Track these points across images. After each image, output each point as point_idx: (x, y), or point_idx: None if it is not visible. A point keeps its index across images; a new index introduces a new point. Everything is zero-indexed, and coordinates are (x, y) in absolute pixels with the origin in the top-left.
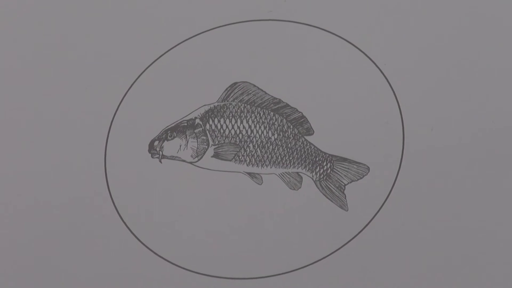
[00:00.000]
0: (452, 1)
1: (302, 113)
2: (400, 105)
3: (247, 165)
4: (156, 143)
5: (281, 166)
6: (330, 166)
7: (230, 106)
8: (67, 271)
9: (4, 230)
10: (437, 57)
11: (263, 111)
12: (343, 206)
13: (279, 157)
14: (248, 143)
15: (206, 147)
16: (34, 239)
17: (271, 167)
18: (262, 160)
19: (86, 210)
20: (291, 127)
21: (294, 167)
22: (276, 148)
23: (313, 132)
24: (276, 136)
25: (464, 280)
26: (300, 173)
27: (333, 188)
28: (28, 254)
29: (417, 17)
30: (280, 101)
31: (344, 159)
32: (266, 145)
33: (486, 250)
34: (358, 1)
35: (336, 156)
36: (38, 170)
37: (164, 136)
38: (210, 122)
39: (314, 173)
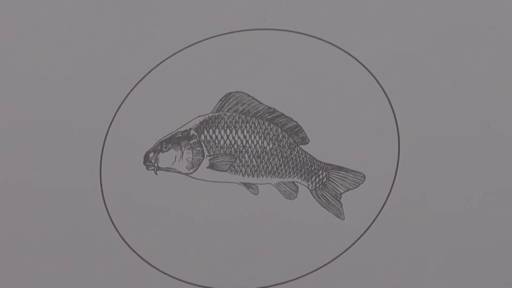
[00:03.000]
0: (446, 8)
1: (297, 122)
2: (395, 113)
3: (242, 175)
4: (151, 155)
5: (277, 176)
6: (326, 175)
7: (224, 117)
8: (58, 279)
9: None
10: (432, 64)
11: (258, 121)
12: (340, 215)
13: (275, 166)
14: (243, 153)
15: (201, 158)
16: (29, 245)
17: (266, 177)
18: (258, 170)
19: (82, 225)
20: (286, 136)
21: (289, 176)
22: (272, 157)
23: (309, 141)
24: (271, 145)
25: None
26: (295, 183)
27: (329, 197)
28: (22, 259)
29: (411, 24)
30: (274, 110)
31: (340, 168)
32: (261, 155)
33: (484, 257)
34: (352, 9)
35: (331, 165)
36: (32, 179)
37: (159, 147)
38: (205, 133)
39: (310, 182)
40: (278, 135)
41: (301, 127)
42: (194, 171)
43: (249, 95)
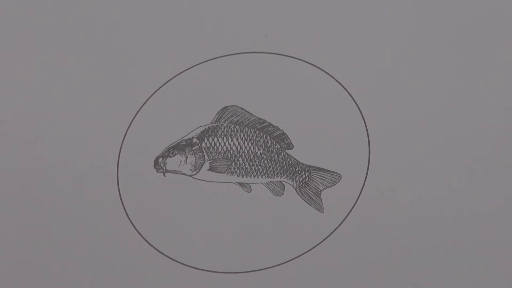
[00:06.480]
0: (414, 27)
1: (283, 131)
2: (366, 123)
3: (237, 176)
4: (160, 159)
5: (267, 176)
6: (308, 175)
7: (222, 127)
8: (74, 270)
9: (16, 235)
10: (398, 80)
11: (250, 130)
12: (320, 208)
13: (265, 168)
14: (238, 157)
15: (203, 162)
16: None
17: (258, 177)
18: (250, 172)
19: (100, 221)
20: (274, 143)
21: (277, 176)
22: (262, 161)
23: (293, 146)
24: (261, 151)
25: (431, 272)
26: (282, 182)
27: (311, 194)
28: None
29: (380, 42)
30: (264, 121)
31: (320, 169)
32: (253, 159)
33: (449, 243)
34: (330, 33)
35: (312, 167)
36: (54, 179)
37: (167, 153)
38: (206, 140)
39: (294, 181)
40: (267, 142)
41: (287, 135)
42: (197, 173)
43: (242, 108)
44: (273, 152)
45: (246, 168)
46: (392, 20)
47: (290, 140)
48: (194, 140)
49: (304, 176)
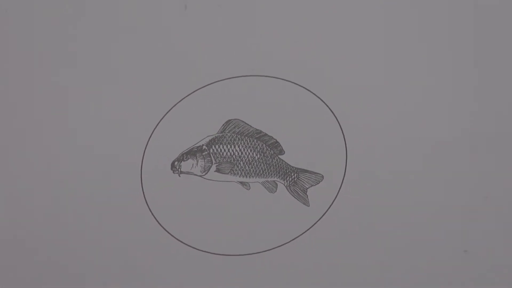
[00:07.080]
0: (384, 40)
1: (276, 140)
2: (344, 133)
3: (239, 176)
4: (176, 163)
5: (263, 177)
6: (296, 176)
7: (226, 136)
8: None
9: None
10: (374, 99)
11: (249, 139)
12: (306, 203)
13: (261, 170)
14: (239, 161)
15: (211, 165)
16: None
17: (255, 178)
18: (249, 173)
19: (126, 213)
20: (269, 149)
21: (271, 177)
22: (259, 164)
23: (284, 152)
24: (258, 156)
25: (403, 260)
26: (275, 181)
27: (299, 191)
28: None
29: (356, 63)
30: (260, 131)
31: (306, 171)
32: (252, 162)
33: (418, 238)
34: (314, 58)
35: (300, 169)
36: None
37: (181, 158)
38: (213, 147)
39: (285, 181)
40: (263, 149)
41: (279, 143)
42: (206, 174)
43: (243, 121)
44: (268, 157)
45: (246, 170)
46: (362, 35)
47: (282, 147)
48: (204, 147)
49: (293, 176)
